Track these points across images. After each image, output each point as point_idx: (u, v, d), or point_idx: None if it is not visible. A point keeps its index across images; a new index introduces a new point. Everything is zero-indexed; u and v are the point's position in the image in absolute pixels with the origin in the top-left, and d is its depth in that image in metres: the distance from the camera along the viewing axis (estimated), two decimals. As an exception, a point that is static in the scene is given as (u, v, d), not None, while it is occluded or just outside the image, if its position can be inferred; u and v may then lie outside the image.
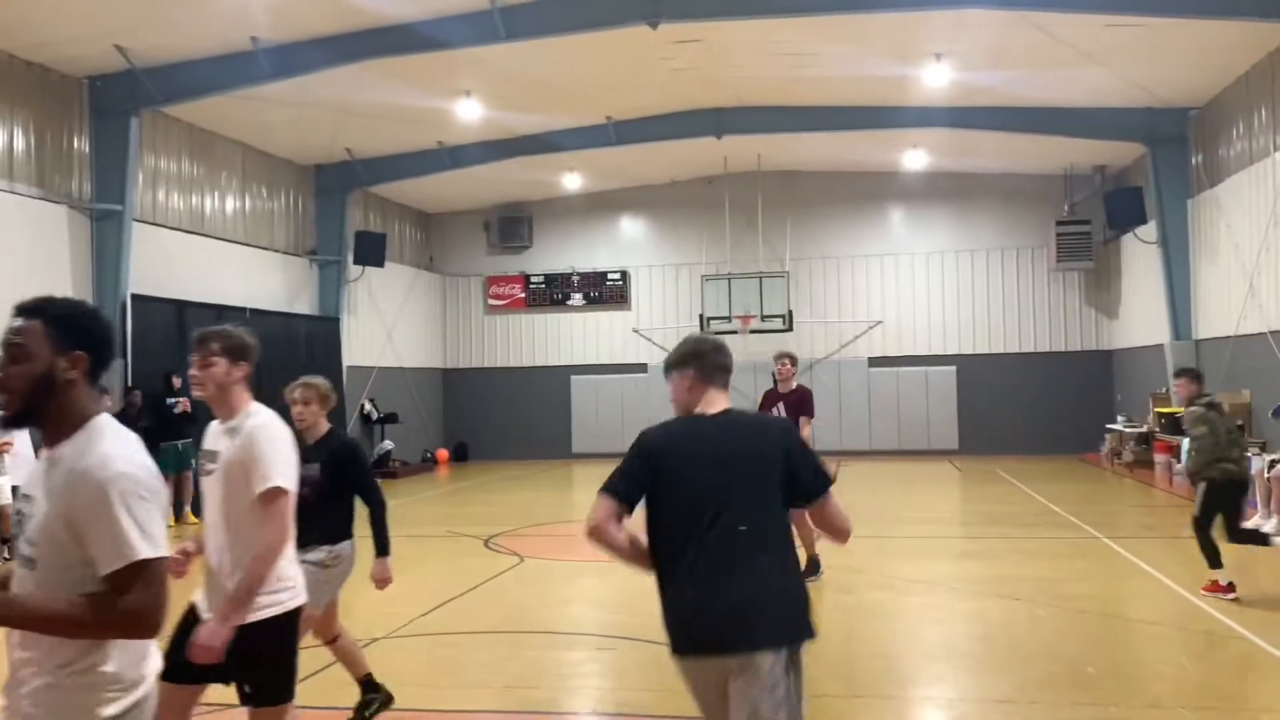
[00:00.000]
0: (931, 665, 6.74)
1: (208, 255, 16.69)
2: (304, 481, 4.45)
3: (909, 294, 23.28)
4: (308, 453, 4.94)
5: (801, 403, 9.35)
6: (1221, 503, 8.29)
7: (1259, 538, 8.94)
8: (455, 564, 10.89)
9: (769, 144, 20.65)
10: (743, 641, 3.22)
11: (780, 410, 9.27)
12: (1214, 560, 8.26)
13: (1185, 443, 10.29)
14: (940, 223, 23.32)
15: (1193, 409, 8.47)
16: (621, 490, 3.31)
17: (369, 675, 5.44)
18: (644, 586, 9.07)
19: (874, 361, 23.16)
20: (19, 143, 13.20)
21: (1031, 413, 22.11)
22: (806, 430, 9.23)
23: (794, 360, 9.67)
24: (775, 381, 9.65)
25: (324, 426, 5.22)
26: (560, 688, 6.42)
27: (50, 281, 13.45)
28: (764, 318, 22.45)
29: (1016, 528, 12.39)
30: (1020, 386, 22.32)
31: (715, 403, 3.45)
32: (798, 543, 9.00)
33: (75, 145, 14.10)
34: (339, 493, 5.04)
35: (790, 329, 22.40)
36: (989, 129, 17.95)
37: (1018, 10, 12.70)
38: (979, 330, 23.04)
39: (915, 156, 21.35)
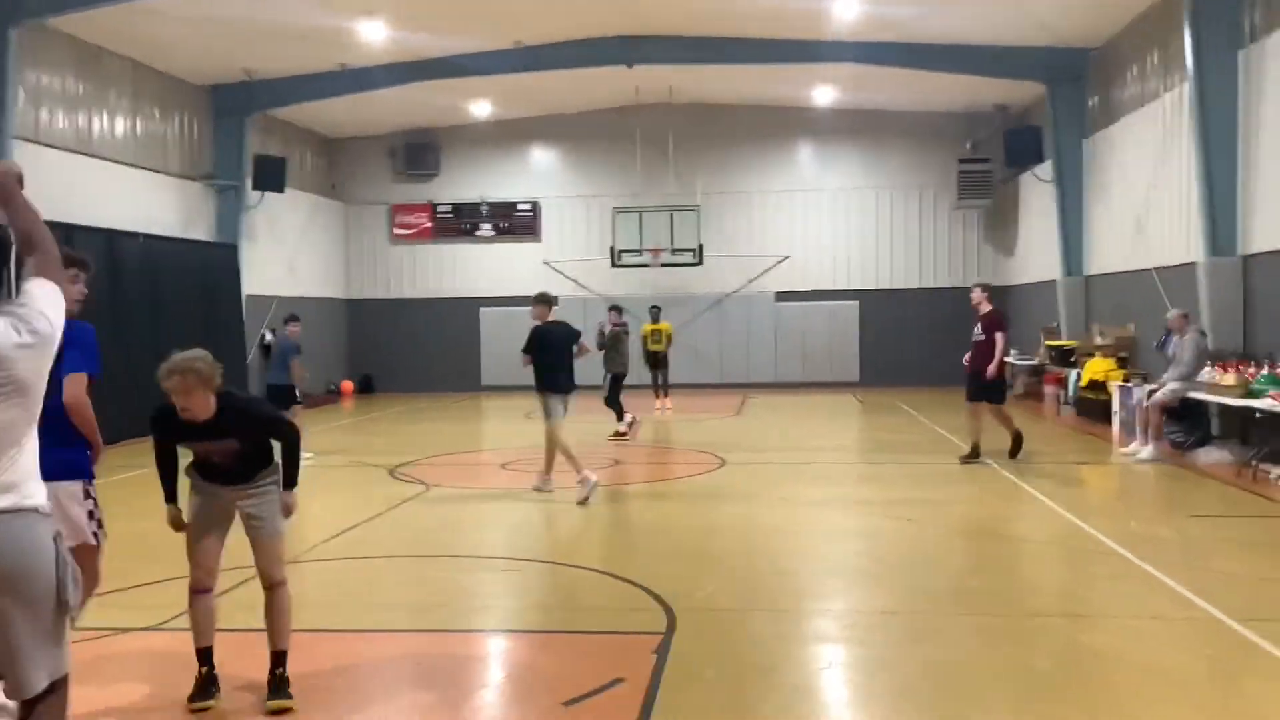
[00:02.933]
0: (826, 580, 7.01)
1: (97, 178, 15.96)
2: (224, 454, 4.69)
3: (816, 230, 23.60)
4: (210, 430, 4.72)
5: (993, 322, 11.64)
6: None
7: None
8: (359, 492, 10.82)
9: (681, 75, 20.55)
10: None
11: (977, 328, 11.78)
12: None
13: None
14: (848, 160, 23.61)
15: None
16: (534, 351, 10.01)
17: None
18: (548, 511, 9.18)
19: (781, 296, 23.49)
20: (-115, 51, 12.38)
21: (930, 347, 22.71)
22: (999, 340, 11.52)
23: (984, 288, 12.14)
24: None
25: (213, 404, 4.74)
26: (467, 607, 6.50)
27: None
28: (674, 251, 22.55)
29: (912, 454, 12.84)
30: (920, 321, 22.91)
31: (548, 317, 9.61)
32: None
33: (-52, 56, 13.29)
34: (261, 444, 4.88)
35: (700, 263, 22.57)
36: (895, 65, 18.14)
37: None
38: (881, 266, 23.54)
39: (824, 92, 21.51)
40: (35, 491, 2.92)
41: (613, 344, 15.32)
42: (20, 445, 2.90)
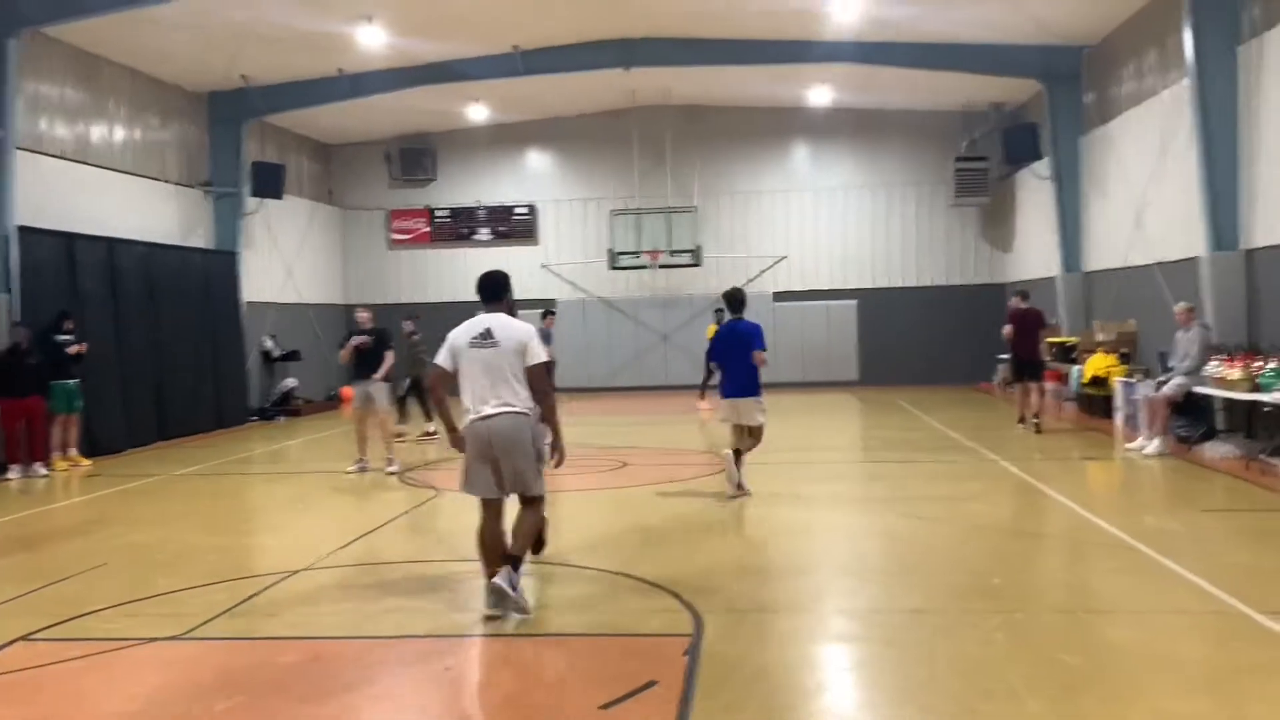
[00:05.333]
0: (847, 579, 7.02)
1: (96, 186, 15.91)
2: None
3: (813, 229, 23.63)
4: None
5: (1039, 317, 14.98)
6: None
7: None
8: (371, 499, 10.81)
9: (677, 77, 20.57)
10: None
11: (1007, 327, 14.81)
12: None
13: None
14: (844, 158, 23.65)
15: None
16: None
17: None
18: (560, 512, 9.14)
19: (779, 296, 23.52)
20: (-116, 62, 12.32)
21: (928, 345, 22.80)
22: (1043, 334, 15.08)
23: (1024, 296, 15.23)
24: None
25: None
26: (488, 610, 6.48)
27: (-74, 212, 12.71)
28: (672, 253, 22.61)
29: (917, 452, 12.87)
30: (918, 319, 22.97)
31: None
32: None
33: (-53, 66, 13.23)
34: None
35: (698, 264, 22.63)
36: (892, 64, 18.17)
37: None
38: (879, 265, 23.58)
39: (821, 92, 21.54)
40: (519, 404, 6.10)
41: (412, 352, 15.77)
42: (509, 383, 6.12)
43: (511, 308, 6.56)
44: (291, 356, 21.12)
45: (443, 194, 24.62)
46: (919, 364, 22.58)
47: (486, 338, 6.14)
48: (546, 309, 16.13)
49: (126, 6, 13.76)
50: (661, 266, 22.63)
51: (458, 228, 24.60)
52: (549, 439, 6.48)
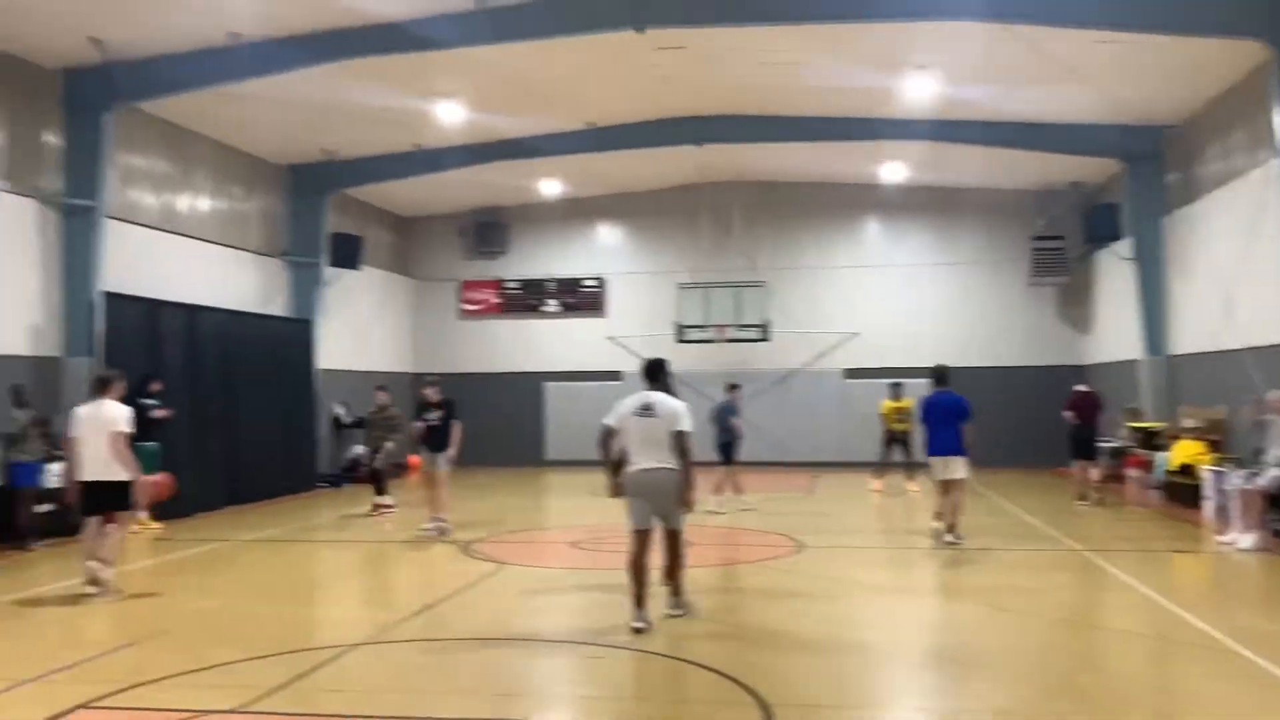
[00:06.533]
0: (925, 674, 6.67)
1: (181, 254, 16.38)
2: None
3: (885, 306, 23.34)
4: None
5: (1095, 400, 15.71)
6: None
7: None
8: (433, 570, 10.71)
9: (748, 153, 20.68)
10: None
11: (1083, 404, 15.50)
12: None
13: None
14: (917, 236, 23.44)
15: None
16: None
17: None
18: (622, 597, 8.90)
19: (849, 373, 23.19)
20: (-11, 134, 12.89)
21: (1004, 427, 22.12)
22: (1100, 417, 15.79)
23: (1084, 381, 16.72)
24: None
25: None
26: (553, 696, 6.29)
27: (15, 275, 13.16)
28: (740, 327, 22.47)
29: (994, 539, 12.38)
30: (994, 401, 22.28)
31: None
32: None
33: (47, 139, 13.79)
34: None
35: (766, 339, 22.43)
36: (969, 143, 18.03)
37: (1007, 23, 12.74)
38: (954, 344, 23.07)
39: (894, 169, 21.45)
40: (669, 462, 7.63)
41: (384, 423, 15.79)
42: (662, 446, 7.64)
43: (668, 386, 8.06)
44: (361, 424, 21.27)
45: (513, 266, 24.91)
46: (994, 446, 21.72)
47: (648, 410, 7.73)
48: (732, 384, 16.09)
49: (213, 84, 14.24)
50: (728, 340, 22.50)
51: (527, 299, 24.82)
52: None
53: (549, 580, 10.14)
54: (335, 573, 11.33)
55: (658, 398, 7.81)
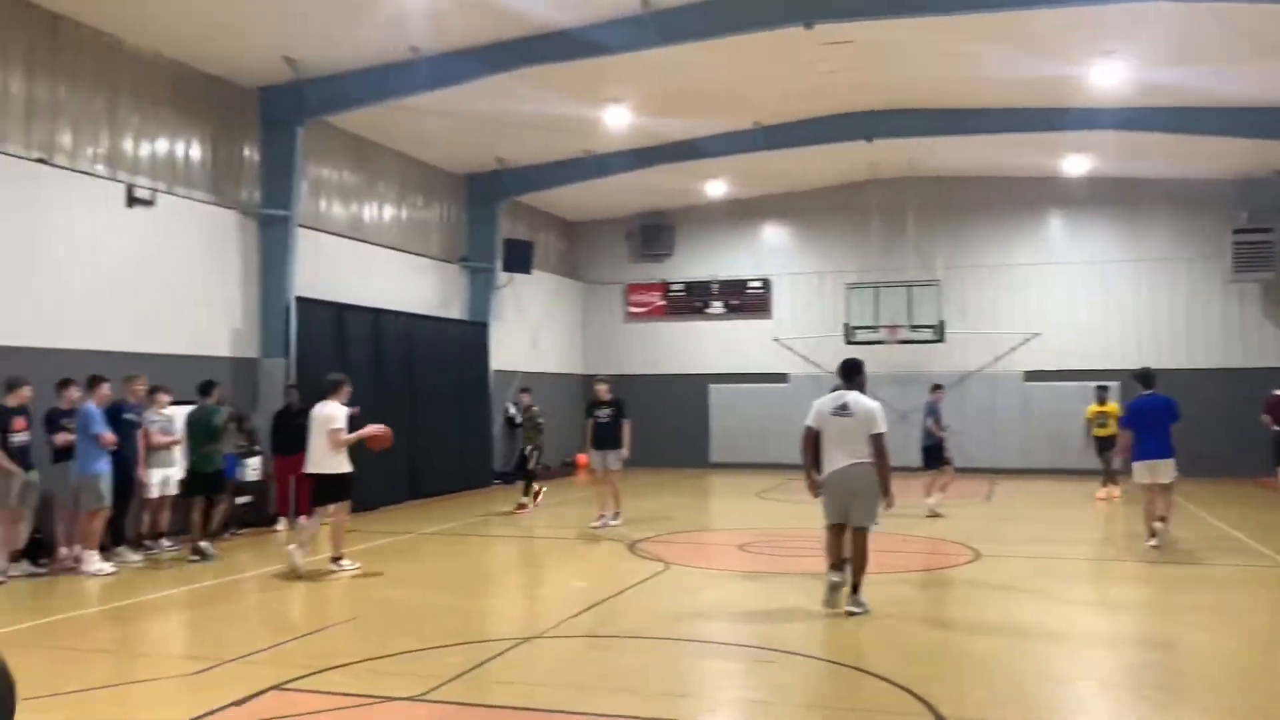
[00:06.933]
0: (1115, 694, 6.27)
1: (366, 260, 17.25)
2: None
3: (1069, 306, 22.22)
4: None
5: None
6: None
7: None
8: (601, 567, 10.87)
9: (919, 148, 20.05)
10: None
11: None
12: None
13: None
14: (1102, 230, 22.21)
15: None
16: None
17: None
18: (792, 598, 8.76)
19: (1030, 375, 22.19)
20: (195, 151, 13.87)
21: (1202, 433, 20.52)
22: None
23: None
24: None
25: None
26: (717, 699, 6.25)
27: (220, 283, 14.12)
28: (913, 328, 21.84)
29: (1188, 552, 11.58)
30: (1190, 405, 20.80)
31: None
32: None
33: (246, 154, 14.76)
34: None
35: (941, 340, 21.73)
36: (1160, 130, 16.94)
37: (1204, 1, 11.91)
38: (1144, 344, 21.75)
39: (1077, 161, 20.39)
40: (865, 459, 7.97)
41: (531, 423, 15.95)
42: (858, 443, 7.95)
43: (863, 386, 8.27)
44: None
45: (678, 268, 25.03)
46: (1191, 453, 20.28)
47: (844, 409, 8.02)
48: (935, 384, 15.98)
49: (396, 96, 14.89)
50: (901, 341, 21.91)
51: (692, 301, 24.89)
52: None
53: (716, 582, 10.11)
54: (507, 566, 11.68)
55: (853, 397, 8.06)
